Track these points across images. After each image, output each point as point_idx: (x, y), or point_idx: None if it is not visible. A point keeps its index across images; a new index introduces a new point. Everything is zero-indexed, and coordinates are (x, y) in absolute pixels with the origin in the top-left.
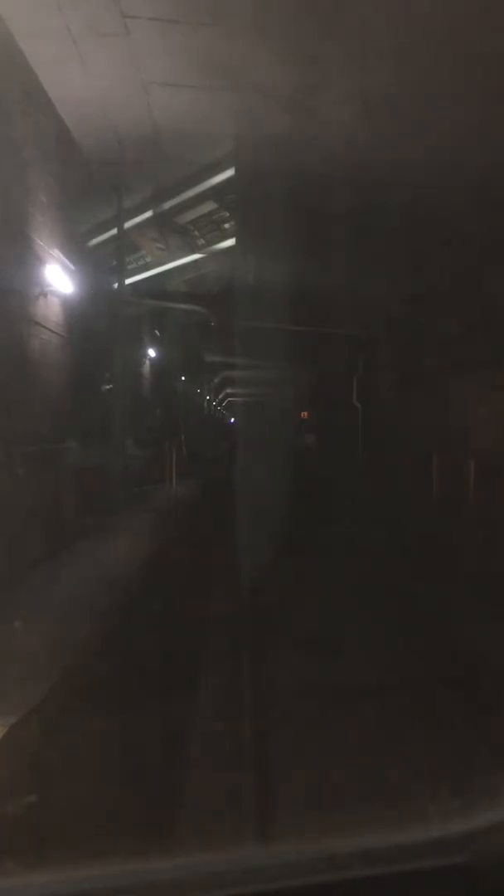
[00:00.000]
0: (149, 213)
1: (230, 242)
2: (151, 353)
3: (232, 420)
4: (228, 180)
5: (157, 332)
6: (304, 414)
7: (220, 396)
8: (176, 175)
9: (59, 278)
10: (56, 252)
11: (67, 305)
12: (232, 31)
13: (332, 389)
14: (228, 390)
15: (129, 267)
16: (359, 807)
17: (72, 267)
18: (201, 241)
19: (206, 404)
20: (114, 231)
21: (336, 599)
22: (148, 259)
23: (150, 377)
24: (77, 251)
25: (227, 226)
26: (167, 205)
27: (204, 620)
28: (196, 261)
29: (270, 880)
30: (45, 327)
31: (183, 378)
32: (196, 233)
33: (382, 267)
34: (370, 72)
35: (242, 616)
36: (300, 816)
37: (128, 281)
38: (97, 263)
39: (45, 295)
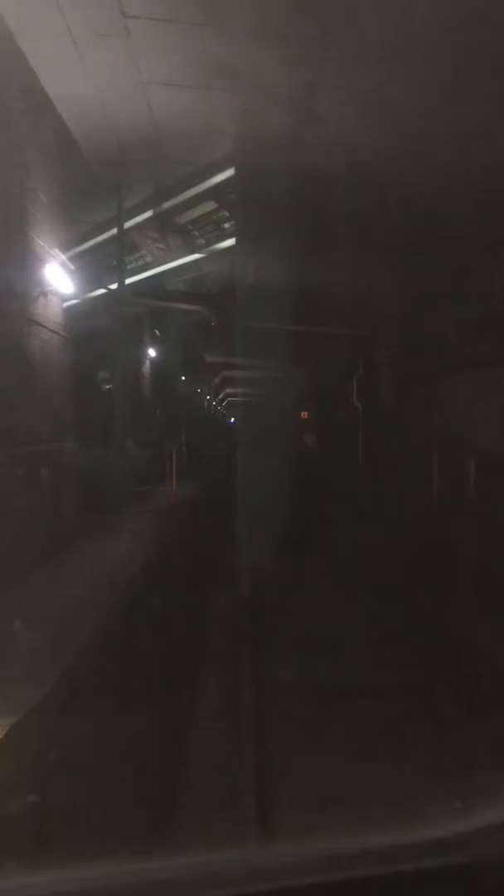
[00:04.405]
0: (149, 213)
1: (230, 242)
2: (152, 353)
3: (232, 420)
4: (228, 180)
5: (157, 332)
6: (304, 414)
7: (220, 396)
8: (176, 175)
9: (59, 278)
10: (56, 252)
11: (67, 305)
12: (232, 31)
13: (331, 389)
14: (228, 390)
15: (129, 267)
16: (359, 807)
17: (72, 267)
18: (201, 241)
19: (206, 404)
20: (114, 231)
21: (335, 599)
22: (148, 259)
23: (150, 377)
24: (77, 251)
25: (227, 226)
26: (167, 205)
27: (203, 620)
28: (196, 261)
29: (270, 880)
30: (45, 327)
31: (183, 378)
32: (196, 233)
33: (382, 266)
34: (370, 72)
35: (241, 615)
36: (300, 816)
37: (128, 281)
38: (97, 263)
39: (45, 295)
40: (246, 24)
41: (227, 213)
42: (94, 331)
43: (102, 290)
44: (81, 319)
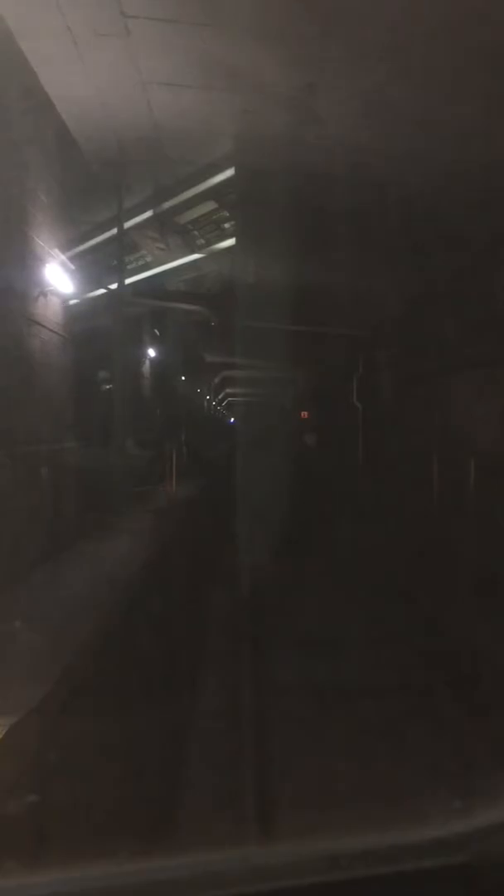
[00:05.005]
0: (149, 213)
1: (230, 242)
2: (151, 353)
3: (232, 420)
4: (228, 180)
5: (157, 332)
6: (305, 414)
7: (220, 396)
8: (176, 175)
9: (59, 278)
10: (56, 252)
11: (67, 305)
12: (232, 31)
13: (331, 389)
14: (228, 390)
15: (129, 267)
16: (359, 807)
17: (72, 267)
18: (201, 241)
19: (206, 404)
20: (114, 231)
21: (335, 599)
22: (148, 259)
23: (150, 377)
24: (77, 251)
25: (227, 226)
26: (167, 205)
27: (203, 620)
28: (196, 261)
29: (270, 880)
30: (45, 327)
31: (183, 378)
32: (196, 233)
33: (382, 266)
34: (370, 72)
35: (241, 615)
36: (300, 816)
37: (128, 281)
38: (97, 263)
39: (45, 295)
40: (246, 24)
41: (227, 213)
42: (94, 331)
43: (102, 290)
44: (81, 319)
